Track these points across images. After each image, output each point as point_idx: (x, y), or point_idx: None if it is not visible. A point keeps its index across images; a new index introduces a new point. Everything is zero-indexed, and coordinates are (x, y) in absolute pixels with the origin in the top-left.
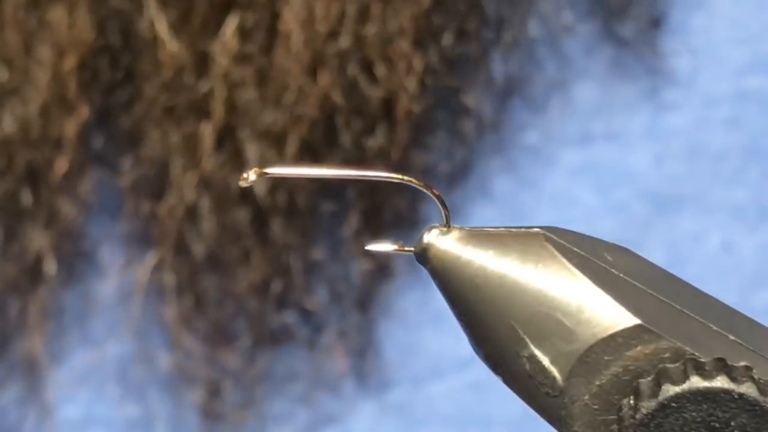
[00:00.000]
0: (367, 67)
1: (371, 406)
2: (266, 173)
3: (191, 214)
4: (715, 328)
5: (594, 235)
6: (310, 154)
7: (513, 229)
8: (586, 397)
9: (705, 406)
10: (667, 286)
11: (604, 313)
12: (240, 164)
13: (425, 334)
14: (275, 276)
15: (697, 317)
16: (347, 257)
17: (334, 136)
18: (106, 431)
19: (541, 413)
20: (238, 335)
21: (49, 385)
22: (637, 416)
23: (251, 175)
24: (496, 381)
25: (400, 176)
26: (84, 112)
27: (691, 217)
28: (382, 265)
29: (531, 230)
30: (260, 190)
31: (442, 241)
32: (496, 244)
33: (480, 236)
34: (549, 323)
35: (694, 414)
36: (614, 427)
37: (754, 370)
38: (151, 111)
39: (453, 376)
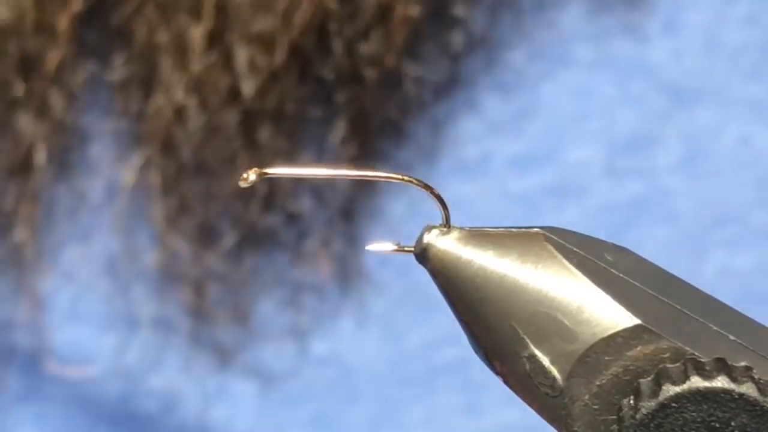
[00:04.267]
0: None
1: (354, 312)
2: (266, 173)
3: (179, 114)
4: (715, 328)
5: (613, 133)
6: (300, 60)
7: (513, 229)
8: (586, 397)
9: (705, 406)
10: (667, 286)
11: (604, 313)
12: (230, 67)
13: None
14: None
15: (697, 317)
16: (334, 165)
17: (327, 41)
18: (93, 326)
19: (541, 413)
20: (223, 235)
21: (38, 278)
22: (638, 416)
23: (251, 176)
24: None
25: (400, 176)
26: (77, 4)
27: (709, 111)
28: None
29: (531, 230)
30: (248, 91)
31: (441, 241)
32: (496, 244)
33: (480, 236)
34: (549, 323)
35: (694, 414)
36: (614, 427)
37: (754, 370)
38: (141, 8)
39: None
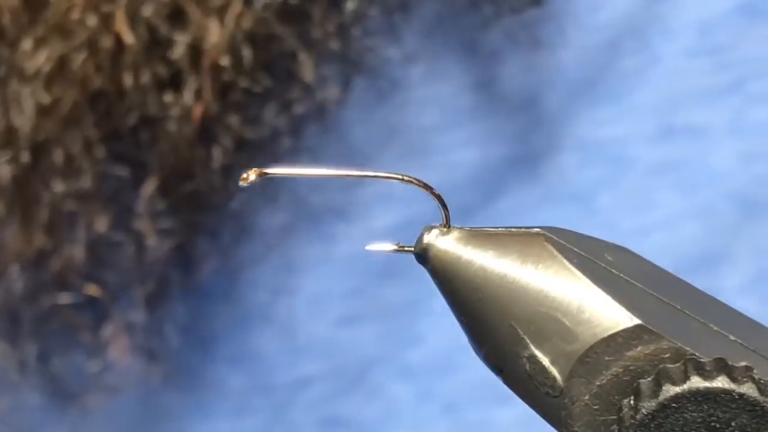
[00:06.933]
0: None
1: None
2: (266, 173)
3: None
4: (715, 328)
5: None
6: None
7: (513, 230)
8: (587, 397)
9: (705, 407)
10: (667, 286)
11: (605, 313)
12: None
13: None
14: (49, 249)
15: (697, 317)
16: (140, 234)
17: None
18: None
19: (541, 414)
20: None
21: None
22: (638, 416)
23: (251, 176)
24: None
25: (400, 176)
26: None
27: None
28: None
29: (531, 230)
30: (26, 135)
31: (442, 241)
32: (496, 245)
33: (480, 236)
34: (549, 323)
35: (694, 414)
36: (614, 427)
37: (754, 370)
38: None
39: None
